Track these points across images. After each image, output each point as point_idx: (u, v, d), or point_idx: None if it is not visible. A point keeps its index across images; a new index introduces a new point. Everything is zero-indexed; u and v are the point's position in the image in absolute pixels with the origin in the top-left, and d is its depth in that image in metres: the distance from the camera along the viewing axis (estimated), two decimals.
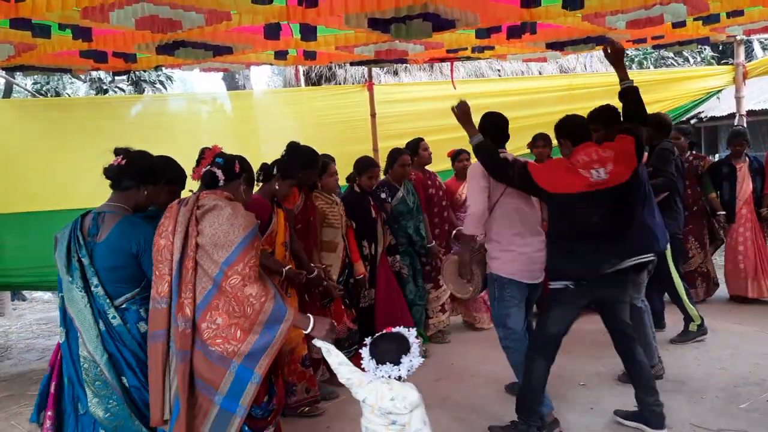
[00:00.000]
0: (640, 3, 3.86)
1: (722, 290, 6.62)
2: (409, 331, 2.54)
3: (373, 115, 6.95)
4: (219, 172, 2.72)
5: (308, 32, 4.29)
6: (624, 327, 3.62)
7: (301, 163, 4.16)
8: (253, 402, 2.53)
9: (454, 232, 5.64)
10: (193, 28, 4.10)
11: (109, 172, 2.78)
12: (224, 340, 2.47)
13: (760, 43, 13.65)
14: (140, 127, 6.59)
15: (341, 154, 5.98)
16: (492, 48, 5.83)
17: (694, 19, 4.79)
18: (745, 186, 6.16)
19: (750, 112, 7.70)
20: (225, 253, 2.47)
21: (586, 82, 8.24)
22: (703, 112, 11.33)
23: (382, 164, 5.74)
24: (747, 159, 6.22)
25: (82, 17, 3.81)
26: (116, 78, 12.05)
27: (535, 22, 4.27)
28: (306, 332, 2.60)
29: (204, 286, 2.51)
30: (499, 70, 9.42)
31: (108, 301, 2.65)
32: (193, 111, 7.11)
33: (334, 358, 2.57)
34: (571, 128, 3.57)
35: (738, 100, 7.30)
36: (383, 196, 5.17)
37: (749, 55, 12.37)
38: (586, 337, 4.91)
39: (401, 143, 5.97)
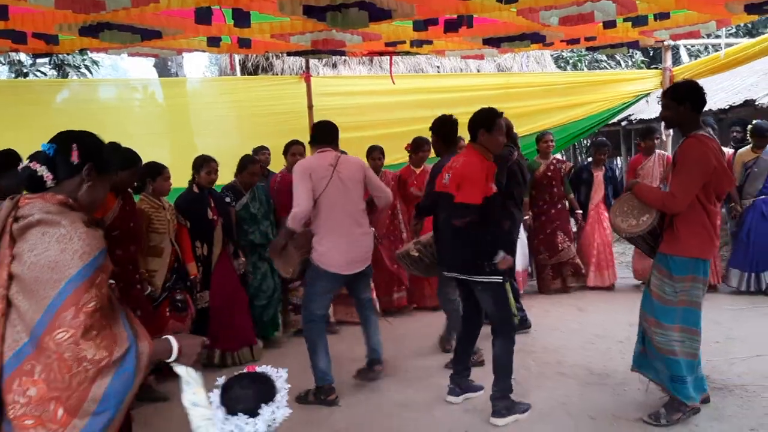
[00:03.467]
0: None
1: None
2: (278, 372, 2.00)
3: (310, 107, 6.86)
4: (43, 170, 1.84)
5: (241, 18, 4.16)
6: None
7: (120, 165, 3.88)
8: None
9: None
10: (118, 10, 3.91)
11: None
12: (38, 421, 1.68)
13: (687, 49, 14.25)
14: (66, 114, 6.33)
15: (278, 146, 5.91)
16: (430, 42, 5.83)
17: (624, 20, 4.92)
18: (599, 191, 7.01)
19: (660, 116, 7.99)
20: (50, 293, 1.68)
21: (523, 81, 8.41)
22: (633, 114, 11.72)
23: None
24: (603, 167, 7.06)
25: None
26: (37, 61, 11.42)
27: (471, 16, 4.29)
28: (169, 361, 1.91)
29: (16, 339, 1.72)
30: (438, 67, 9.45)
31: None
32: (123, 98, 6.86)
33: (192, 395, 1.91)
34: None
35: None
36: (227, 200, 5.15)
37: (676, 60, 12.90)
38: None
39: (341, 136, 5.90)
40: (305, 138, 6.74)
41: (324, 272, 4.03)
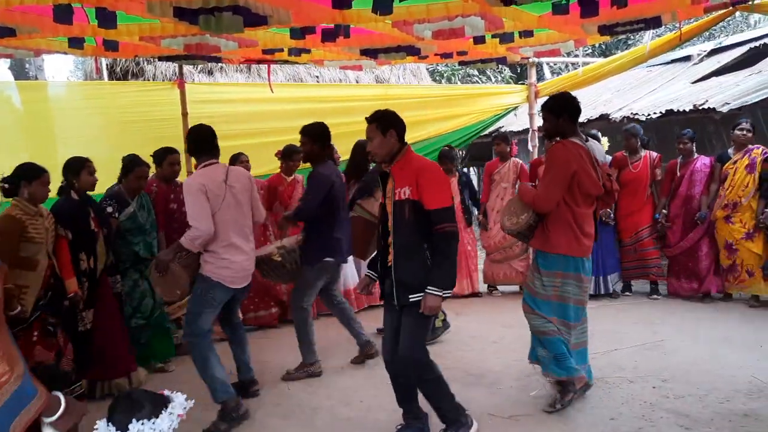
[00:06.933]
0: (444, 14, 4.14)
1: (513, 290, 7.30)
2: (173, 393, 2.10)
3: (184, 114, 6.61)
4: None
5: (106, 18, 3.91)
6: None
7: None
8: None
9: None
10: None
11: None
12: None
13: (549, 66, 15.28)
14: None
15: (150, 155, 5.60)
16: (308, 51, 5.82)
17: (492, 36, 5.20)
18: (455, 197, 6.82)
19: (541, 128, 8.53)
20: None
21: (400, 93, 8.65)
22: (503, 126, 12.36)
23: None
24: (456, 174, 7.10)
25: None
26: None
27: (348, 26, 4.33)
28: (49, 421, 1.87)
29: None
30: (317, 77, 9.47)
31: None
32: None
33: None
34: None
35: (531, 116, 8.05)
36: (110, 210, 4.64)
37: (540, 77, 13.77)
38: None
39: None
40: (181, 145, 6.53)
41: (218, 285, 3.82)
